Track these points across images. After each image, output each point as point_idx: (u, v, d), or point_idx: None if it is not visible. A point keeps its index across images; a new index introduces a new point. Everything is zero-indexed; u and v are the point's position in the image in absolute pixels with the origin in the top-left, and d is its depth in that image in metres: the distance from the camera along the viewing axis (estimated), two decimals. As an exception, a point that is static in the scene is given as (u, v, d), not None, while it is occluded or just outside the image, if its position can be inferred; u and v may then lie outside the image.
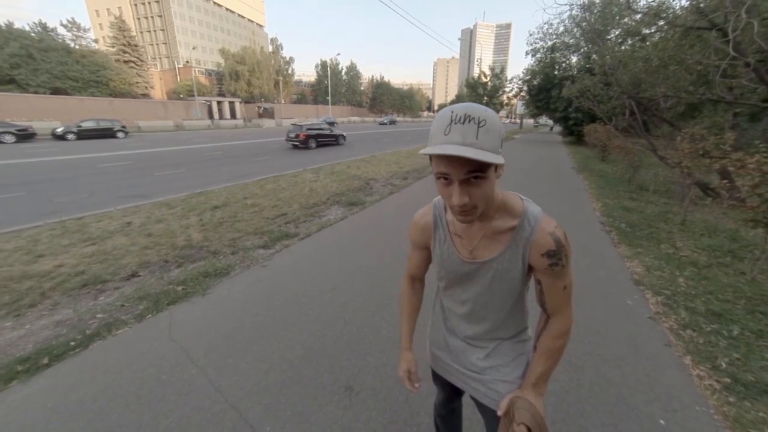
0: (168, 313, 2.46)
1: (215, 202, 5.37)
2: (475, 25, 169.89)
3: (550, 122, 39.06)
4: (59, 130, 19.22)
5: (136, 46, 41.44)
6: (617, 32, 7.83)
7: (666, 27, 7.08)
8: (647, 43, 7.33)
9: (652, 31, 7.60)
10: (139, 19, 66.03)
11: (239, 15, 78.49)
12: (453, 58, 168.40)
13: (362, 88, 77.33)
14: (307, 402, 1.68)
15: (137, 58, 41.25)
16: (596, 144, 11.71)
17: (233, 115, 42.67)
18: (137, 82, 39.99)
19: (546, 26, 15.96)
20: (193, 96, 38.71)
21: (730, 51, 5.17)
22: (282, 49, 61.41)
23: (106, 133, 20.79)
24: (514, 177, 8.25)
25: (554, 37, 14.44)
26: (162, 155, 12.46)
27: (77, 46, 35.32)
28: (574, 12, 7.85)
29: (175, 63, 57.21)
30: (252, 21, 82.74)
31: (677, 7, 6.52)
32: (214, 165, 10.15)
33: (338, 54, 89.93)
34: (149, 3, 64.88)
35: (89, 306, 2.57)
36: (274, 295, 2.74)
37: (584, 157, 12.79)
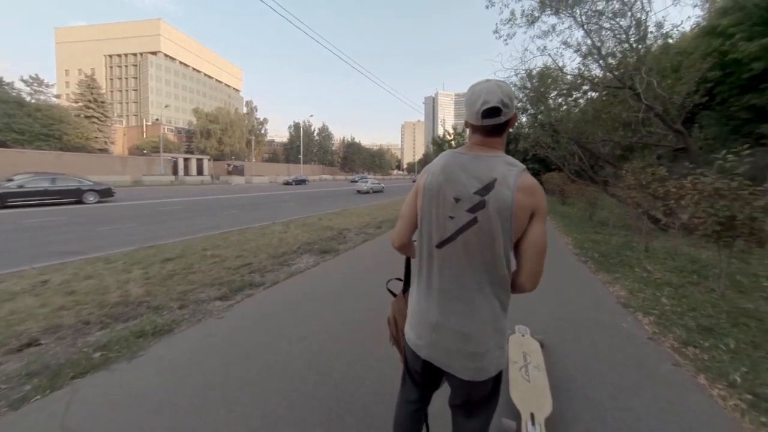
0: (68, 390, 1.83)
1: (168, 255, 4.76)
2: (436, 94, 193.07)
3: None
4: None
5: (102, 102, 41.31)
6: (555, 93, 9.23)
7: (589, 89, 8.49)
8: (581, 101, 8.68)
9: (581, 93, 9.06)
10: (112, 79, 67.65)
11: (217, 80, 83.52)
12: (419, 121, 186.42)
13: (334, 148, 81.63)
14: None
15: (101, 113, 40.84)
16: (555, 190, 12.82)
17: (200, 172, 41.98)
18: (96, 137, 38.89)
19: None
20: (158, 152, 37.58)
21: (643, 103, 6.23)
22: (256, 111, 64.72)
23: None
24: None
25: (505, 100, 16.73)
26: (108, 210, 11.40)
27: (33, 101, 34.46)
28: (519, 75, 9.23)
29: (144, 120, 57.11)
30: (229, 86, 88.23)
31: (598, 73, 7.91)
32: (172, 219, 9.43)
33: (311, 116, 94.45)
34: (126, 66, 67.40)
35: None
36: (230, 349, 2.25)
37: (547, 202, 13.75)
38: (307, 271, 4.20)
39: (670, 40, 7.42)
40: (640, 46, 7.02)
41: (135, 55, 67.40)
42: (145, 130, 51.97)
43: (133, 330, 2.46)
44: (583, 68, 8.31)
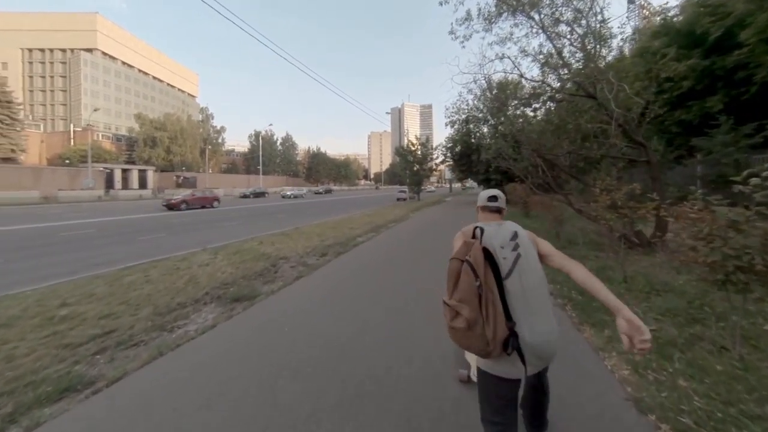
0: None
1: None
2: (402, 105, 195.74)
3: (475, 185, 43.59)
4: None
5: (8, 102, 35.58)
6: (515, 102, 8.76)
7: (548, 98, 8.10)
8: (540, 111, 8.28)
9: (540, 102, 8.68)
10: (32, 77, 59.29)
11: (169, 84, 76.93)
12: (385, 132, 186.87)
13: (298, 158, 78.92)
14: None
15: (7, 116, 35.21)
16: (518, 201, 12.39)
17: (143, 185, 37.75)
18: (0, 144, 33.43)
19: (459, 102, 18.31)
20: (86, 162, 32.46)
21: (613, 111, 5.73)
22: (213, 118, 60.75)
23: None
24: (449, 237, 7.61)
25: (466, 111, 16.46)
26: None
27: None
28: (478, 82, 8.68)
29: (72, 125, 50.17)
30: (183, 91, 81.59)
31: (557, 81, 7.46)
32: (64, 250, 7.46)
33: (271, 125, 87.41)
34: (52, 62, 59.37)
35: None
36: None
37: (510, 215, 13.30)
38: (189, 344, 2.86)
39: (626, 47, 7.19)
40: (599, 53, 6.66)
41: (64, 51, 59.49)
42: (73, 136, 45.68)
43: None
44: (543, 76, 7.87)
